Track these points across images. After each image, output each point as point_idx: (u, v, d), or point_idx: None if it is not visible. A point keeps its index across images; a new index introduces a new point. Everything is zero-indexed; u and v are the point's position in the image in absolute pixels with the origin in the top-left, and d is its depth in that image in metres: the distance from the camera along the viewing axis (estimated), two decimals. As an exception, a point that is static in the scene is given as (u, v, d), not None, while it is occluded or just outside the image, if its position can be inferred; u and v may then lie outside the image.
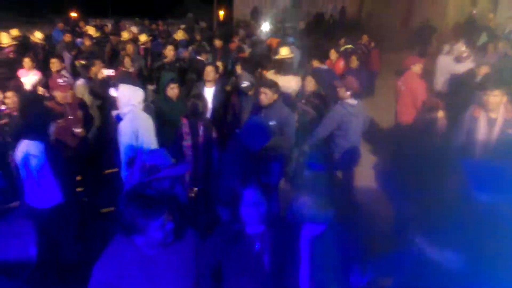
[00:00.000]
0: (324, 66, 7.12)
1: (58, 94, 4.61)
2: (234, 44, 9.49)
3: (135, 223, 1.96)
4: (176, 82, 5.28)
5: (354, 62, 7.82)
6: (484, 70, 5.87)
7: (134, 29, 11.27)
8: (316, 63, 7.04)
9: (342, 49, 9.12)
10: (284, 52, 7.11)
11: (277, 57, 7.04)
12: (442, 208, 2.19)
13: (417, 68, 6.02)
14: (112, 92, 4.22)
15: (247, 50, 9.05)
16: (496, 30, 10.90)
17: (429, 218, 2.14)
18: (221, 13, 25.24)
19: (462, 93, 5.83)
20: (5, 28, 18.47)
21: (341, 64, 8.21)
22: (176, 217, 2.10)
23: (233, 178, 3.03)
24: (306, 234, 2.34)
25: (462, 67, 6.73)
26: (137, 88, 4.09)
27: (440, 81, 7.29)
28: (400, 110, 6.19)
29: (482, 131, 3.78)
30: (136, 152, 3.84)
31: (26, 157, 3.46)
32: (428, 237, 2.00)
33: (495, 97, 3.67)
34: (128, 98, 3.93)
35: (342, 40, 9.81)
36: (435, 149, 3.85)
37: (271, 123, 4.22)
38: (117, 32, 11.33)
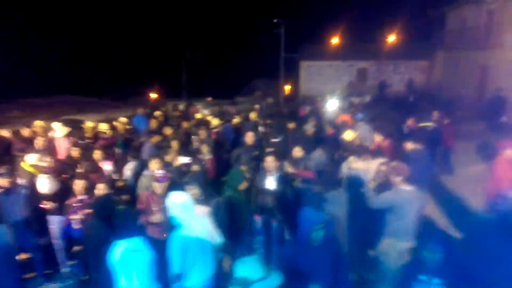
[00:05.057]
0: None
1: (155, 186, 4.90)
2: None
3: None
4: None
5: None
6: None
7: (205, 111, 11.75)
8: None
9: (420, 125, 8.76)
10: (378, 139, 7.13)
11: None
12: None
13: (508, 153, 5.56)
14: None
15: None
16: None
17: None
18: (287, 88, 26.11)
19: None
20: (92, 112, 20.23)
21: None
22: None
23: None
24: None
25: None
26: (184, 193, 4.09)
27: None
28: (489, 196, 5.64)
29: None
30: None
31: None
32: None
33: None
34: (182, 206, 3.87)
35: (411, 119, 9.41)
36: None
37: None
38: (188, 115, 11.77)
